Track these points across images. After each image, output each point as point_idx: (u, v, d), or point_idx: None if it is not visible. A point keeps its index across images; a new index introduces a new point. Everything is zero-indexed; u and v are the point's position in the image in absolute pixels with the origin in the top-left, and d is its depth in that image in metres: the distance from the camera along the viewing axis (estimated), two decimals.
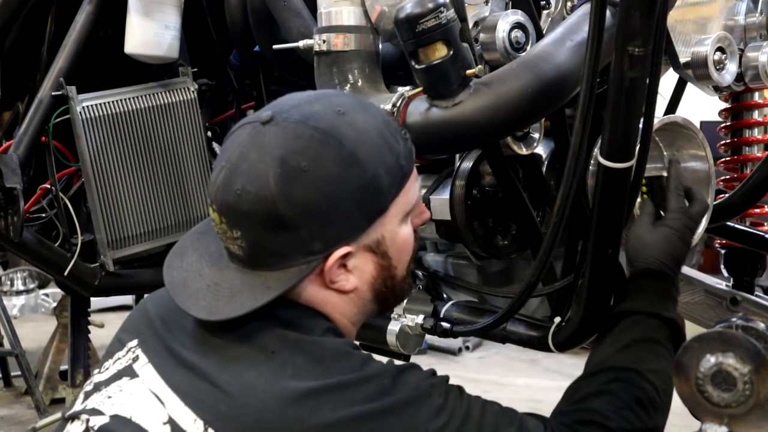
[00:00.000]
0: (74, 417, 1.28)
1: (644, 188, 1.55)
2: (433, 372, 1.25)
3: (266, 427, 1.14)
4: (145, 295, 1.42)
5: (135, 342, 1.30)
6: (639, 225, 1.51)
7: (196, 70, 2.46)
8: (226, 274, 1.26)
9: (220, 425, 1.15)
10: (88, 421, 1.24)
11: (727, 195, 2.04)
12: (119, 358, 1.30)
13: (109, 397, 1.25)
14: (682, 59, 1.66)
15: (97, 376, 1.31)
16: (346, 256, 1.23)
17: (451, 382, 1.25)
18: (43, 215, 2.39)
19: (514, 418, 1.24)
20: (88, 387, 1.31)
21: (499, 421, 1.23)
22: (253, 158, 1.20)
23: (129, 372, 1.26)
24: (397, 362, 1.25)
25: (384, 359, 1.28)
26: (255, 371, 1.18)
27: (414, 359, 1.46)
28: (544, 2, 1.65)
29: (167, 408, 1.19)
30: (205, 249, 1.31)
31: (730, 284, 2.11)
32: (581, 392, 1.36)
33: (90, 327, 3.56)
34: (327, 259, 1.22)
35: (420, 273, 1.90)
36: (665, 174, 1.56)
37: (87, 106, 2.28)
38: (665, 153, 1.67)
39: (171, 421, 1.18)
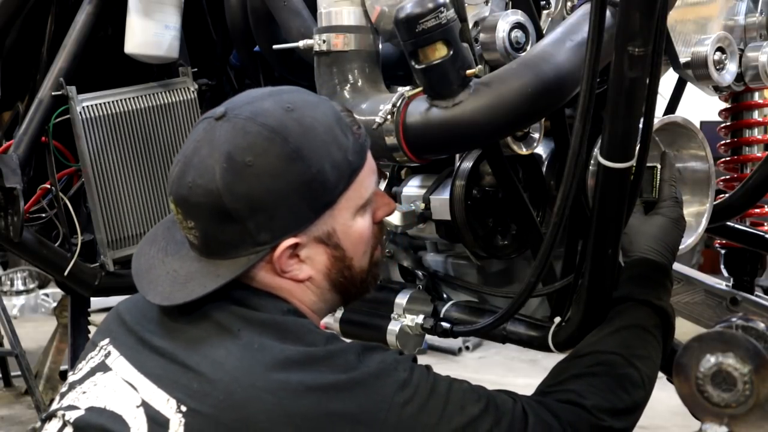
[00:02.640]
0: (51, 416, 1.31)
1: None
2: (399, 351, 1.29)
3: (235, 399, 1.17)
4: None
5: (107, 340, 1.35)
6: (632, 215, 1.52)
7: (196, 70, 2.46)
8: (184, 262, 1.32)
9: (192, 402, 1.19)
10: (64, 416, 1.28)
11: (727, 195, 2.04)
12: (92, 357, 1.34)
13: (84, 392, 1.29)
14: (682, 59, 1.66)
15: (72, 377, 1.35)
16: (295, 246, 1.28)
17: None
18: (43, 215, 2.39)
19: (482, 394, 1.27)
20: (63, 388, 1.35)
21: (467, 397, 1.25)
22: (203, 153, 1.26)
23: (102, 367, 1.31)
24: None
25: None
26: (223, 350, 1.22)
27: None
28: (544, 2, 1.65)
29: (140, 392, 1.23)
30: (172, 237, 1.37)
31: (730, 284, 2.11)
32: (564, 374, 1.40)
33: (90, 327, 3.56)
34: (275, 249, 1.27)
35: (420, 273, 1.90)
36: (656, 165, 1.57)
37: (87, 106, 2.28)
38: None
39: (144, 404, 1.22)
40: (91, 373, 1.31)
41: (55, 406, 1.32)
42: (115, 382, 1.27)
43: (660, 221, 1.53)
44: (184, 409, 1.19)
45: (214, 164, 1.23)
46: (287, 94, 1.31)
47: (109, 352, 1.32)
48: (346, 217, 1.31)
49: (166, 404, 1.20)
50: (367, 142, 1.35)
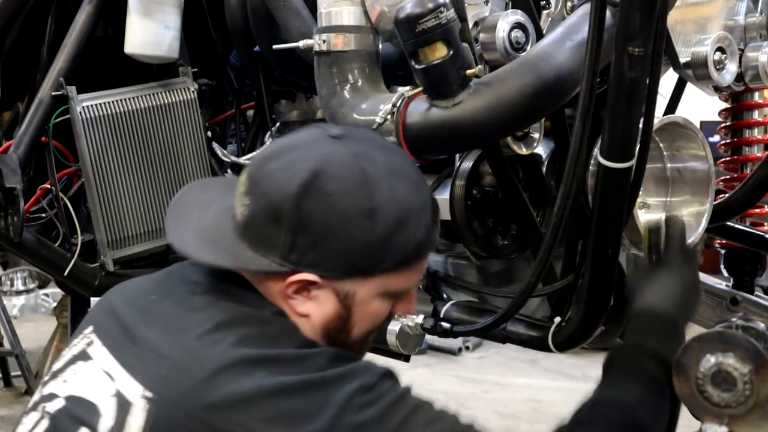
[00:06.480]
0: (33, 408, 1.33)
1: (646, 239, 1.45)
2: (385, 372, 1.25)
3: (199, 388, 1.18)
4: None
5: (90, 328, 1.35)
6: (643, 274, 1.44)
7: (196, 70, 2.46)
8: (218, 226, 1.32)
9: (158, 387, 1.20)
10: (44, 408, 1.29)
11: (727, 195, 2.04)
12: (75, 345, 1.35)
13: (65, 381, 1.30)
14: (682, 59, 1.67)
15: (55, 365, 1.36)
16: (312, 283, 1.27)
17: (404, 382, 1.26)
18: (43, 215, 2.39)
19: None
20: (46, 377, 1.36)
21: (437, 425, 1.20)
22: (300, 153, 1.26)
23: (83, 356, 1.32)
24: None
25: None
26: (198, 339, 1.22)
27: (414, 359, 1.47)
28: (544, 2, 1.65)
29: (116, 382, 1.24)
30: (225, 197, 1.37)
31: (730, 284, 2.11)
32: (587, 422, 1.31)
33: None
34: (294, 273, 1.26)
35: None
36: (659, 223, 1.47)
37: (87, 106, 2.28)
38: (665, 152, 1.68)
39: (117, 393, 1.23)
40: (72, 361, 1.33)
41: (36, 397, 1.34)
42: (94, 372, 1.28)
43: (672, 280, 1.42)
44: (149, 395, 1.20)
45: (301, 170, 1.24)
46: (400, 159, 1.32)
47: (91, 341, 1.33)
48: (370, 292, 1.30)
49: (134, 391, 1.22)
50: (433, 245, 1.35)
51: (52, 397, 1.30)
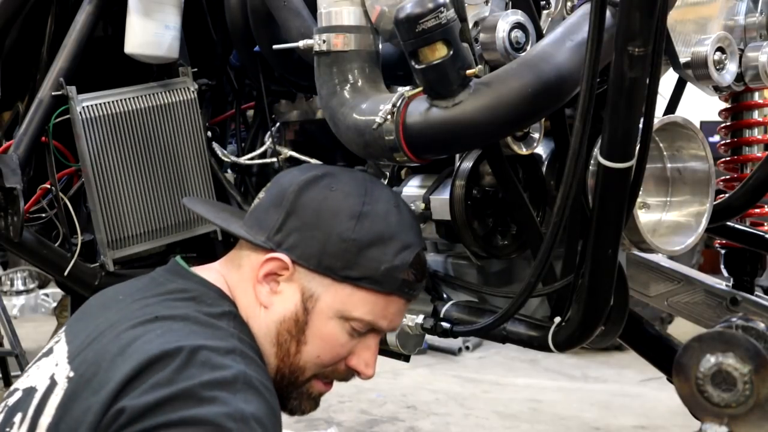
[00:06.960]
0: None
1: None
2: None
3: (109, 369, 1.21)
4: None
5: (64, 328, 1.43)
6: None
7: (196, 70, 2.46)
8: (233, 217, 1.50)
9: (81, 368, 1.26)
10: (5, 402, 1.35)
11: (727, 195, 2.04)
12: (48, 345, 1.43)
13: (28, 376, 1.37)
14: (682, 59, 1.67)
15: (29, 365, 1.43)
16: (284, 268, 1.35)
17: None
18: (43, 215, 2.39)
19: None
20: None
21: None
22: (325, 166, 1.50)
23: (48, 352, 1.39)
24: (260, 382, 1.23)
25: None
26: (132, 328, 1.27)
27: (414, 359, 1.47)
28: (544, 2, 1.65)
29: (57, 367, 1.30)
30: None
31: (730, 284, 2.11)
32: None
33: None
34: (272, 251, 1.36)
35: None
36: None
37: (87, 106, 2.28)
38: (665, 152, 1.68)
39: (51, 377, 1.29)
40: (40, 358, 1.39)
41: (5, 394, 1.39)
42: (49, 364, 1.33)
43: None
44: (72, 375, 1.25)
45: (316, 170, 1.43)
46: (408, 208, 1.48)
47: (59, 339, 1.39)
48: (332, 305, 1.35)
49: (63, 373, 1.27)
50: (407, 291, 1.41)
51: (14, 391, 1.35)
